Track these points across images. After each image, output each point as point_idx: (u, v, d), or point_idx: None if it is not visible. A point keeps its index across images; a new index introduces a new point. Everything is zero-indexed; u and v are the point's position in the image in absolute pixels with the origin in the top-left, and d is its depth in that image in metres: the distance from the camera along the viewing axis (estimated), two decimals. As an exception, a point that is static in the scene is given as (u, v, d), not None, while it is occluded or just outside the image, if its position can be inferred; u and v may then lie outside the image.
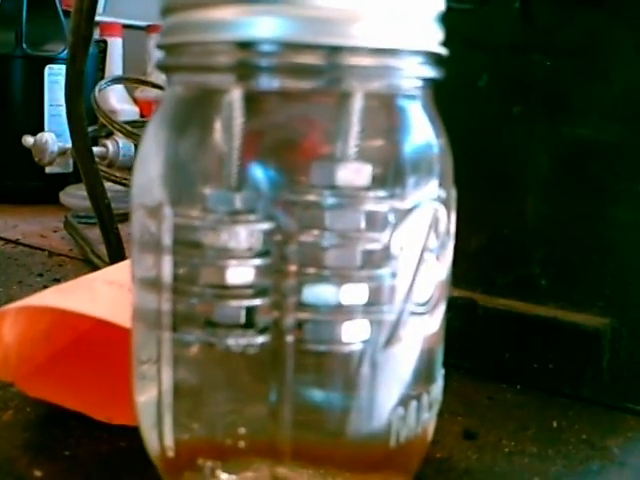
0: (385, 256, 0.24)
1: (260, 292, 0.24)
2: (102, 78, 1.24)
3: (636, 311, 0.38)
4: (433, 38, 0.25)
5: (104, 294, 0.33)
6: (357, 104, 0.23)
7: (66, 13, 1.03)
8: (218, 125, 0.24)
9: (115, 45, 1.28)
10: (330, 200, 0.24)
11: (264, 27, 0.22)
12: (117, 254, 0.57)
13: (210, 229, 0.24)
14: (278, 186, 0.24)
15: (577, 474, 0.33)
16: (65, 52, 0.96)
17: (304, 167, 0.24)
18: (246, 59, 0.23)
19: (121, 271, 0.35)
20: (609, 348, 0.38)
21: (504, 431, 0.36)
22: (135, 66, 1.37)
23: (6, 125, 1.01)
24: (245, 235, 0.24)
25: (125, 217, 0.87)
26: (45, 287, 0.57)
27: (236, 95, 0.23)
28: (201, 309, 0.24)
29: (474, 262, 0.42)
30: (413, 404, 0.26)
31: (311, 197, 0.24)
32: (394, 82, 0.24)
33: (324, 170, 0.24)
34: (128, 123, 0.85)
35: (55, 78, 1.00)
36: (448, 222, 0.26)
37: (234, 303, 0.24)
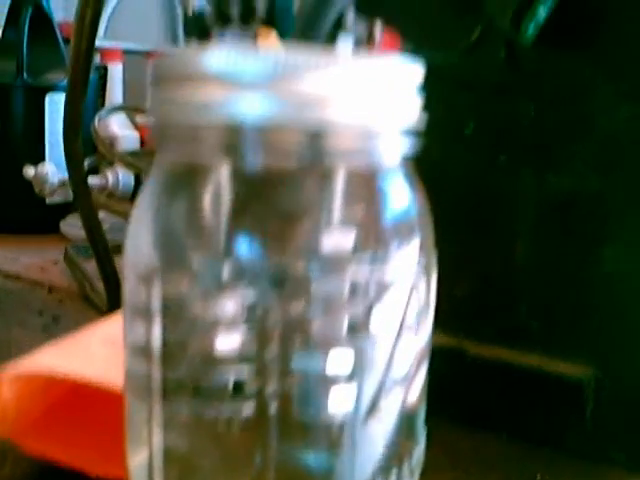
0: (366, 326, 0.25)
1: (246, 361, 0.25)
2: (102, 104, 1.25)
3: (619, 362, 0.38)
4: (413, 112, 0.26)
5: (100, 355, 0.33)
6: (339, 181, 0.24)
7: (66, 41, 1.04)
8: (206, 199, 0.25)
9: (115, 71, 1.29)
10: (315, 269, 0.25)
11: (251, 107, 0.23)
12: (114, 291, 0.58)
13: (198, 299, 0.25)
14: (264, 257, 0.25)
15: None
16: (65, 81, 0.97)
17: (289, 237, 0.25)
18: (232, 140, 0.24)
19: (116, 326, 0.35)
20: (593, 398, 0.39)
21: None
22: (135, 91, 1.38)
23: (7, 154, 1.01)
24: (232, 305, 0.25)
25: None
26: (45, 327, 0.58)
27: (223, 172, 0.24)
28: (190, 376, 0.25)
29: (461, 309, 0.43)
30: (394, 472, 0.26)
31: (297, 266, 0.25)
32: (375, 159, 0.25)
33: (309, 239, 0.25)
34: (128, 153, 0.86)
35: (56, 107, 1.01)
36: (428, 290, 0.27)
37: (221, 372, 0.25)
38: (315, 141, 0.24)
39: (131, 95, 1.35)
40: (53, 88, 1.01)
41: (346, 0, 0.25)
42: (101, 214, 0.83)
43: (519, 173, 0.40)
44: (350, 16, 0.26)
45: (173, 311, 0.25)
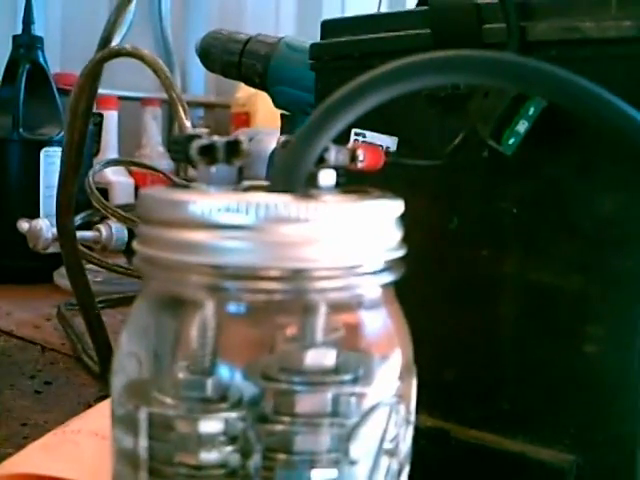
0: (346, 452, 0.26)
1: (230, 472, 0.26)
2: (98, 151, 1.26)
3: (599, 450, 0.39)
4: (393, 244, 0.27)
5: (89, 450, 0.34)
6: (320, 313, 0.26)
7: (61, 91, 1.06)
8: (191, 328, 0.26)
9: (111, 118, 1.31)
10: (298, 384, 0.26)
11: (234, 252, 0.24)
12: (105, 354, 0.59)
13: (183, 417, 0.26)
14: (246, 378, 0.26)
15: None
16: (61, 135, 0.98)
17: (272, 357, 0.26)
18: (217, 281, 0.25)
19: (104, 418, 0.36)
20: (574, 485, 0.39)
21: None
22: (130, 137, 1.40)
23: (2, 207, 1.03)
24: (216, 422, 0.26)
25: (116, 302, 0.90)
26: (36, 392, 0.59)
27: (208, 308, 0.25)
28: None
29: (447, 394, 0.44)
30: None
31: (280, 383, 0.26)
32: (355, 292, 0.26)
33: (292, 356, 0.26)
34: (121, 207, 0.87)
35: (51, 160, 1.02)
36: (407, 411, 0.28)
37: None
38: (297, 280, 0.25)
39: (126, 142, 1.36)
40: (48, 142, 1.03)
41: (328, 141, 0.26)
42: (94, 268, 0.85)
43: (501, 267, 0.41)
44: (331, 151, 0.27)
45: (159, 426, 0.26)
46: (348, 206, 0.25)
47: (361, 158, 0.28)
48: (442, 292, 0.43)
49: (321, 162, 0.27)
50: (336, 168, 0.27)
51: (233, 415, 0.26)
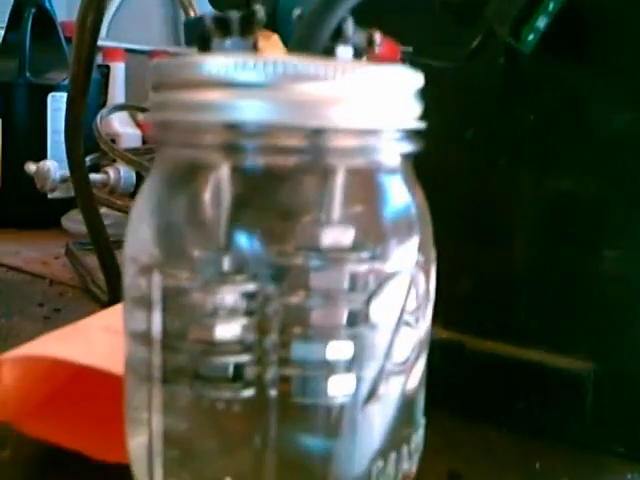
0: (366, 318, 0.25)
1: (246, 348, 0.25)
2: (105, 103, 1.25)
3: (618, 356, 0.39)
4: (412, 114, 0.26)
5: (100, 341, 0.34)
6: (339, 180, 0.25)
7: (68, 40, 1.05)
8: (206, 195, 0.25)
9: (118, 70, 1.30)
10: (314, 262, 0.25)
11: (249, 110, 0.24)
12: (115, 284, 0.58)
13: (198, 290, 0.25)
14: (263, 250, 0.25)
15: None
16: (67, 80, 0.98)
17: (289, 232, 0.25)
18: (232, 140, 0.24)
19: (116, 316, 0.36)
20: (592, 392, 0.39)
21: (488, 473, 0.37)
22: (138, 90, 1.38)
23: (9, 152, 1.02)
24: (232, 296, 0.25)
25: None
26: (45, 318, 0.59)
27: (224, 170, 0.24)
28: (189, 363, 0.26)
29: (462, 305, 0.43)
30: (392, 455, 0.27)
31: (296, 259, 0.25)
32: (374, 159, 0.26)
33: (308, 233, 0.25)
34: (129, 150, 0.86)
35: (58, 105, 1.01)
36: (427, 284, 0.27)
37: (221, 358, 0.25)
38: (315, 140, 0.24)
39: (133, 94, 1.35)
40: (55, 87, 1.02)
41: (346, 10, 0.26)
42: (103, 210, 0.84)
43: (518, 176, 0.41)
44: (349, 25, 0.26)
45: (173, 301, 0.26)
46: (369, 68, 0.25)
47: (378, 42, 0.27)
48: (457, 203, 0.43)
49: (338, 36, 0.27)
50: (354, 50, 0.27)
51: (250, 287, 0.25)
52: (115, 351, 0.31)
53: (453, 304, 0.43)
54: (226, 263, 0.25)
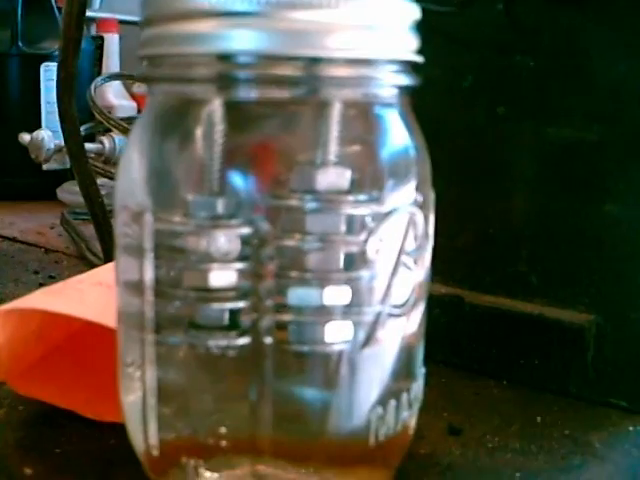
0: (363, 259, 0.25)
1: (241, 295, 0.25)
2: (99, 74, 1.24)
3: (620, 308, 0.38)
4: (409, 47, 0.25)
5: (92, 295, 0.33)
6: (335, 113, 0.24)
7: (61, 10, 1.03)
8: (199, 133, 0.24)
9: (112, 41, 1.29)
10: (310, 204, 0.24)
11: (242, 40, 0.23)
12: (111, 251, 0.58)
13: (192, 234, 0.25)
14: (259, 192, 0.24)
15: (558, 469, 0.33)
16: (61, 49, 0.96)
17: (284, 173, 0.25)
18: (225, 71, 0.23)
19: (109, 272, 0.35)
20: (594, 345, 0.39)
21: (489, 427, 0.36)
22: (132, 61, 1.36)
23: (3, 122, 1.01)
24: (226, 240, 0.24)
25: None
26: (41, 284, 0.58)
27: (216, 105, 0.24)
28: (183, 311, 0.25)
29: (461, 259, 0.43)
30: (392, 403, 0.26)
31: (292, 202, 0.25)
32: (371, 91, 0.25)
33: (304, 175, 0.24)
34: (124, 120, 0.85)
35: (51, 75, 1.00)
36: (426, 225, 0.26)
37: (216, 305, 0.25)
38: (309, 69, 0.23)
39: (127, 66, 1.34)
40: (48, 57, 1.01)
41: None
42: (98, 180, 0.83)
43: (518, 124, 0.40)
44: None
45: (166, 247, 0.25)
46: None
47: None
48: (456, 155, 0.42)
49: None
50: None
51: (245, 231, 0.24)
52: (107, 304, 0.30)
53: (452, 258, 0.42)
54: (220, 206, 0.24)
